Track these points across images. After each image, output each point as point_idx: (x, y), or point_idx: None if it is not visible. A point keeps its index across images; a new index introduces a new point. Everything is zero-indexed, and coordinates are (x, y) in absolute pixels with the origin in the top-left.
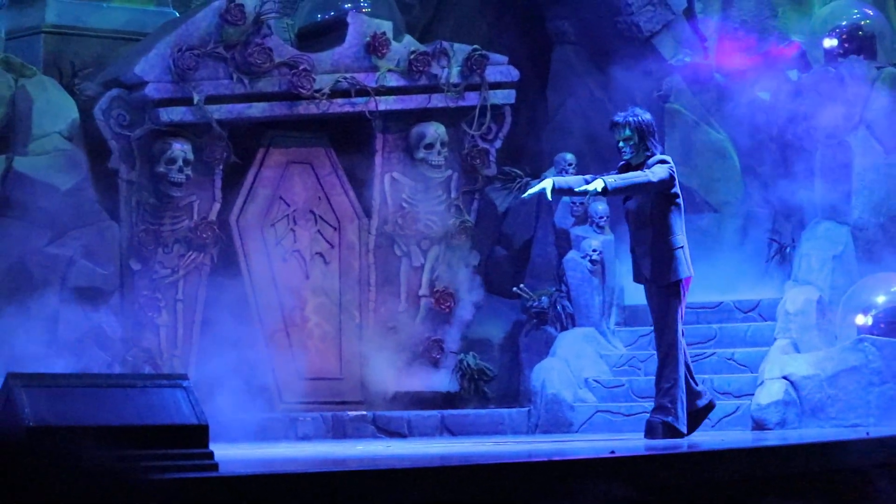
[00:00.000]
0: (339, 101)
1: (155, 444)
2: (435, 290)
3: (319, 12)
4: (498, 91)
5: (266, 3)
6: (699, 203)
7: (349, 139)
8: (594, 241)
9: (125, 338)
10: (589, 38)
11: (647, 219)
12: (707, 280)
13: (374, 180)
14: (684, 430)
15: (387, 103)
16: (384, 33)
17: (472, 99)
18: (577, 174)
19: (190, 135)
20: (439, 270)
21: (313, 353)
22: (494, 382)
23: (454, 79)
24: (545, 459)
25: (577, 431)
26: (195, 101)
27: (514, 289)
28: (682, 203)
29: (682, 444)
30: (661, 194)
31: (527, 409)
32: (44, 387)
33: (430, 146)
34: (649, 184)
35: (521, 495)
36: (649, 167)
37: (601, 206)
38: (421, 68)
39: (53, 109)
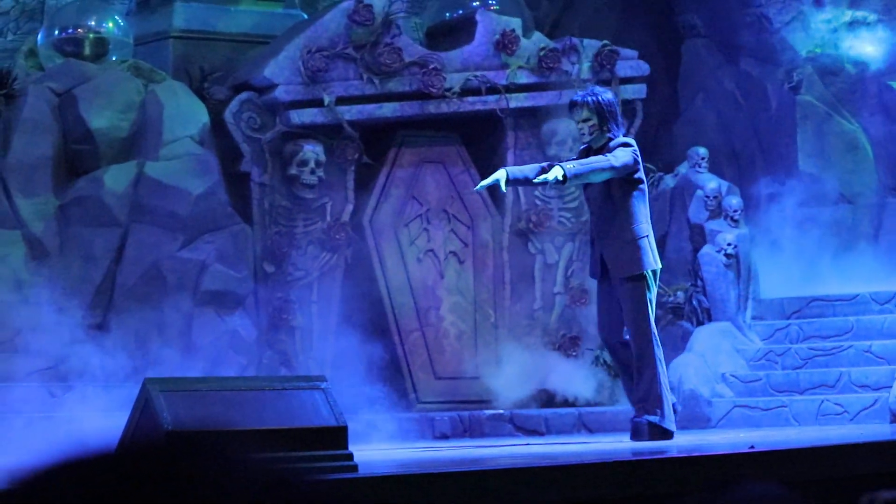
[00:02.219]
0: (470, 99)
1: (295, 447)
2: (570, 286)
3: (448, 11)
4: (629, 86)
5: (394, 3)
6: (833, 195)
7: (480, 137)
8: (729, 236)
9: (260, 340)
10: (718, 31)
11: (609, 207)
12: (843, 272)
13: None
14: (673, 428)
15: (518, 100)
16: (513, 30)
17: None
18: (710, 169)
19: (321, 136)
20: (574, 267)
21: (449, 353)
22: None
23: (584, 74)
24: (683, 455)
25: (714, 427)
26: (326, 103)
27: None
28: (646, 189)
29: (827, 436)
30: (624, 180)
31: None
32: (181, 391)
33: (562, 143)
34: (612, 169)
35: (659, 491)
36: (611, 151)
37: (735, 200)
38: (551, 65)
39: (184, 114)
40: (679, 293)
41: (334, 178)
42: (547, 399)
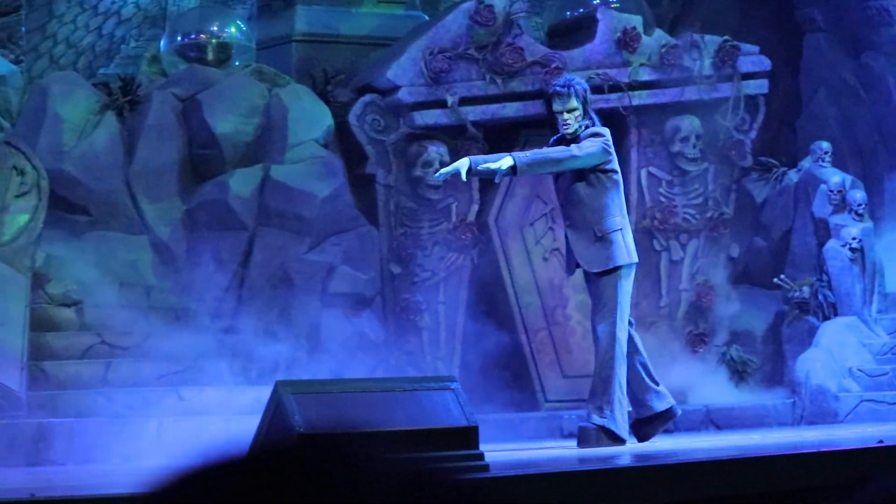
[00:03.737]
0: (593, 97)
1: (426, 447)
2: (695, 283)
3: (568, 9)
4: (750, 81)
5: (516, 3)
6: None
7: None
8: (853, 230)
9: (388, 341)
10: (839, 25)
11: (580, 198)
12: None
13: (630, 175)
14: (625, 435)
15: (640, 98)
16: (634, 28)
17: (725, 90)
18: (833, 163)
19: (445, 137)
20: (699, 264)
21: (576, 351)
22: (758, 374)
23: (706, 71)
24: (812, 451)
25: (842, 422)
26: (449, 104)
27: (775, 279)
28: (620, 181)
29: None
30: (597, 171)
31: (791, 400)
32: (313, 393)
33: (685, 139)
34: (573, 159)
35: (789, 487)
36: (581, 140)
37: (859, 194)
38: (673, 61)
39: (308, 117)
40: (804, 288)
41: (459, 179)
42: (674, 396)
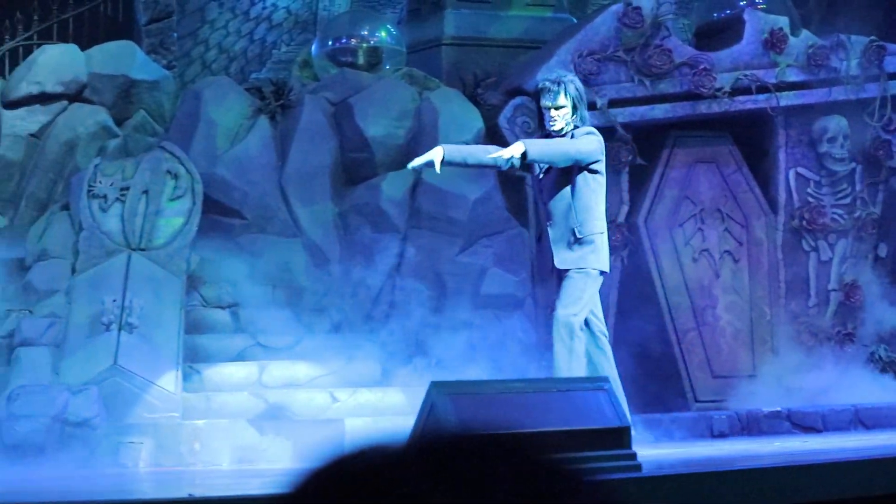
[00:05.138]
0: (741, 98)
1: (580, 448)
2: (844, 283)
3: (715, 11)
4: None
5: (663, 5)
6: None
7: (751, 136)
8: None
9: (539, 343)
10: None
11: (563, 198)
12: None
13: (778, 176)
14: None
15: (788, 98)
16: (781, 28)
17: (871, 90)
18: None
19: None
20: (847, 263)
21: (726, 352)
22: None
23: (853, 71)
24: None
25: None
26: (599, 106)
27: None
28: (604, 183)
29: None
30: (583, 170)
31: None
32: (467, 394)
33: (832, 139)
34: (576, 155)
35: None
36: (576, 138)
37: None
38: (820, 62)
39: (459, 120)
40: None
41: (608, 180)
42: (823, 396)
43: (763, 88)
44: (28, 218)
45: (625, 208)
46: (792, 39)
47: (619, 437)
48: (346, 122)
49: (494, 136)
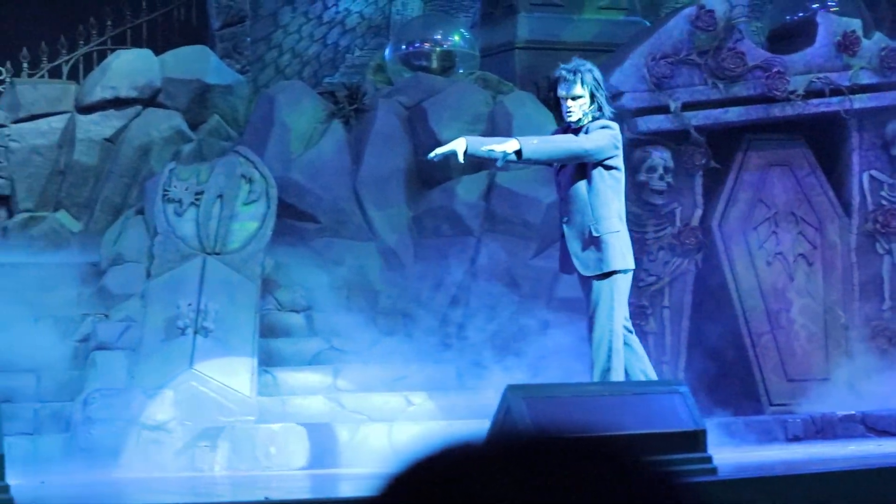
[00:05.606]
0: (814, 101)
1: (655, 451)
2: None
3: (788, 13)
4: None
5: (736, 7)
6: None
7: (825, 139)
8: None
9: None
10: None
11: (579, 195)
12: None
13: (852, 179)
14: None
15: (861, 101)
16: (854, 31)
17: None
18: None
19: (668, 142)
20: None
21: (800, 355)
22: None
23: None
24: None
25: None
26: (672, 109)
27: None
28: (622, 179)
29: None
30: (599, 165)
31: None
32: (542, 397)
33: None
34: (581, 152)
35: None
36: (588, 133)
37: None
38: (893, 64)
39: (532, 124)
40: None
41: (683, 184)
42: None
43: (836, 91)
44: (103, 222)
45: (699, 212)
46: (865, 42)
47: (694, 440)
48: (419, 125)
49: None
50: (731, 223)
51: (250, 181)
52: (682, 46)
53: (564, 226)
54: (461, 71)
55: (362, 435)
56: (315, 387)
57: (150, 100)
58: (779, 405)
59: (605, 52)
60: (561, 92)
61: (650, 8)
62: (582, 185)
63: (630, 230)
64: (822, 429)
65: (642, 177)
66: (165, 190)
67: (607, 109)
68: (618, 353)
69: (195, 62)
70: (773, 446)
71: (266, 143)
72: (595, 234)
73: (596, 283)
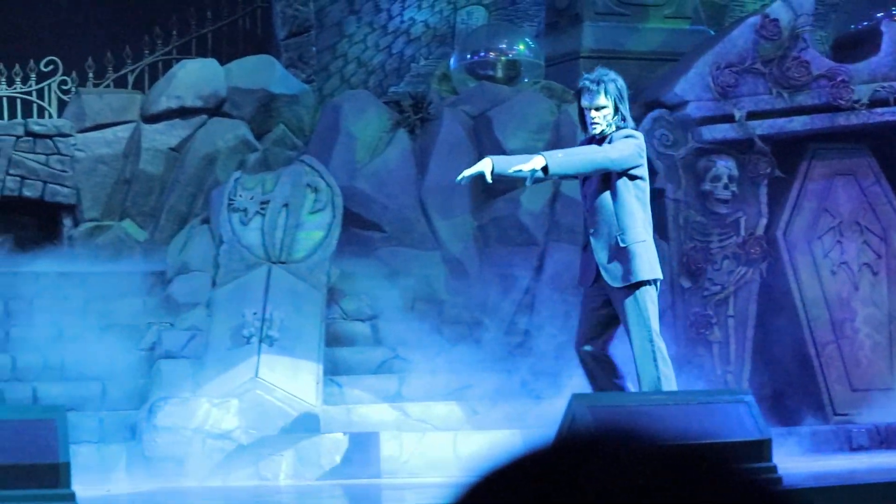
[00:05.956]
0: (879, 110)
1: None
2: None
3: (853, 22)
4: None
5: (801, 16)
6: None
7: (889, 148)
8: None
9: (678, 355)
10: None
11: (604, 205)
12: None
13: None
14: None
15: None
16: None
17: None
18: None
19: (733, 151)
20: None
21: (865, 365)
22: None
23: None
24: None
25: None
26: (737, 118)
27: None
28: (647, 189)
29: None
30: (625, 177)
31: None
32: (608, 406)
33: None
34: (607, 161)
35: None
36: (613, 143)
37: None
38: None
39: None
40: None
41: (747, 193)
42: None
43: None
44: (168, 231)
45: (763, 221)
46: None
47: (759, 449)
48: (485, 135)
49: None
50: (795, 232)
51: (316, 190)
52: (747, 55)
53: (591, 237)
54: (526, 80)
55: (427, 444)
56: (380, 396)
57: (215, 109)
58: (843, 415)
59: (669, 61)
60: (584, 102)
61: (715, 17)
62: (607, 195)
63: (694, 239)
64: (887, 438)
65: (707, 186)
66: (231, 199)
67: (630, 119)
68: (664, 360)
69: (260, 72)
70: (837, 456)
71: (331, 152)
72: (622, 244)
73: (624, 295)
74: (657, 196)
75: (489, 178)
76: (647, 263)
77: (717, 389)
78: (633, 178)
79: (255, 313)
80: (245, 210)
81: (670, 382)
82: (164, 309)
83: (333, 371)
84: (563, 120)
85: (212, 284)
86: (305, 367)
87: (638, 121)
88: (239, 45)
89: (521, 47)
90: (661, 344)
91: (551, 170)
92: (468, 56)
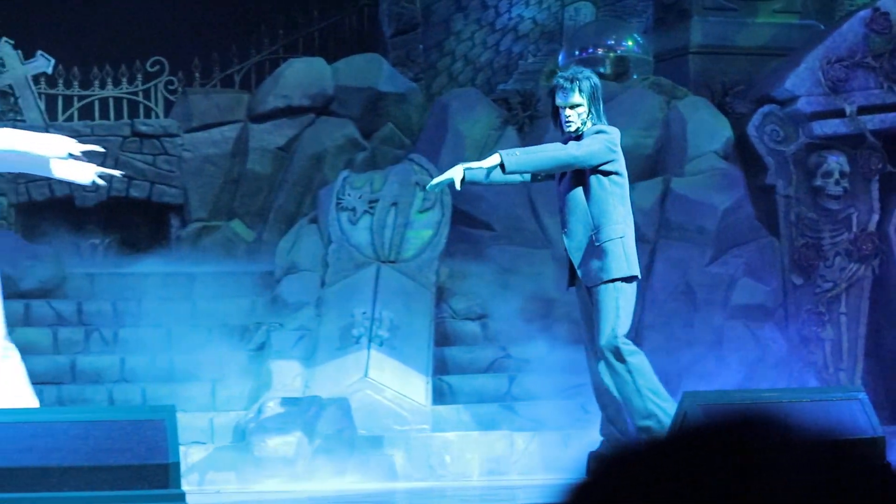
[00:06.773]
0: None
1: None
2: None
3: None
4: None
5: None
6: None
7: None
8: None
9: (790, 353)
10: None
11: (578, 203)
12: None
13: None
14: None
15: None
16: None
17: None
18: None
19: (844, 146)
20: None
21: None
22: None
23: None
24: None
25: None
26: (848, 113)
27: None
28: (624, 184)
29: None
30: (597, 172)
31: None
32: (719, 404)
33: None
34: (570, 157)
35: None
36: (583, 138)
37: None
38: None
39: (707, 129)
40: None
41: (859, 188)
42: None
43: None
44: (276, 231)
45: (875, 217)
46: None
47: (873, 447)
48: None
49: (743, 146)
50: None
51: (425, 189)
52: (857, 49)
53: (564, 237)
54: (635, 76)
55: (538, 443)
56: (490, 395)
57: (322, 108)
58: None
59: (779, 56)
60: (559, 101)
61: (824, 11)
62: (580, 193)
63: (805, 235)
64: None
65: (818, 182)
66: (339, 198)
67: (604, 115)
68: (633, 352)
69: (368, 70)
70: None
71: (440, 150)
72: (596, 243)
73: (597, 294)
74: (767, 192)
75: (458, 186)
76: (623, 261)
77: (830, 387)
78: (606, 173)
79: (364, 313)
80: (353, 209)
81: (641, 374)
82: (272, 309)
83: (443, 370)
84: (673, 116)
85: (321, 284)
86: (415, 367)
87: (748, 117)
88: (346, 43)
89: (630, 43)
90: (625, 346)
91: (507, 167)
92: (577, 52)
